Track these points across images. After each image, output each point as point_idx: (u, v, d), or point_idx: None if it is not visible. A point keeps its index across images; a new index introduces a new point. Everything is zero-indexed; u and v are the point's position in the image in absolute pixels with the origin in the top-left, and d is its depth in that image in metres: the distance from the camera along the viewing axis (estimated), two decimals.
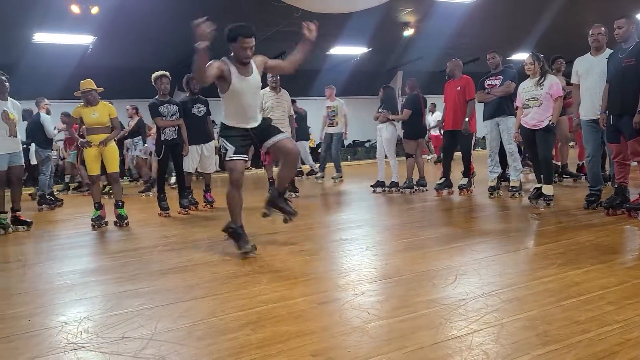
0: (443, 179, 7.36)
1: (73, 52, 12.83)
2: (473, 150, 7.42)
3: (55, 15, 10.37)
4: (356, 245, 4.39)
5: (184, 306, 2.95)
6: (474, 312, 2.59)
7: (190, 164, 6.97)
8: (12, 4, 9.87)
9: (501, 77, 6.71)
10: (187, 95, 7.12)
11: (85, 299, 3.22)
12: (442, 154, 7.67)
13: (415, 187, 7.83)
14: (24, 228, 6.16)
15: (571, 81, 5.86)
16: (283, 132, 4.38)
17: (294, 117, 8.15)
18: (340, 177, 10.75)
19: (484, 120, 6.89)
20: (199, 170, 7.35)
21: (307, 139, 10.81)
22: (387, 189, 8.02)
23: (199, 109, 6.99)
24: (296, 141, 7.34)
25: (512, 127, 6.43)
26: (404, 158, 8.00)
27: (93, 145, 6.03)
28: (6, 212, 6.06)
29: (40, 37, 11.95)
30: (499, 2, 11.97)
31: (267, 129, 4.31)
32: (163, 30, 11.93)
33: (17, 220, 6.18)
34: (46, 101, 8.96)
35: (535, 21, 13.47)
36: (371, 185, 8.21)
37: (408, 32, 13.68)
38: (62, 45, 12.55)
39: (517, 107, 6.14)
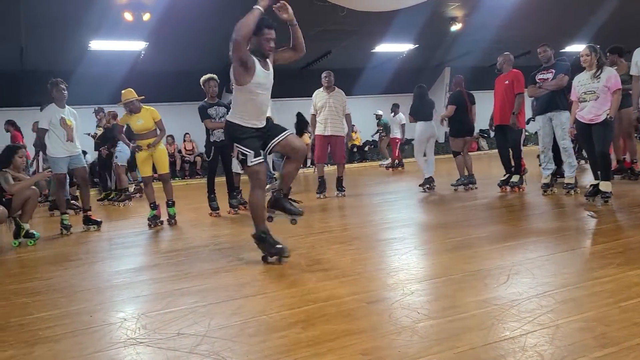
0: (506, 175, 7.21)
1: (126, 58, 13.28)
2: (523, 146, 7.24)
3: (110, 23, 10.79)
4: (404, 244, 4.37)
5: (236, 304, 3.02)
6: (527, 312, 2.53)
7: (238, 164, 7.09)
8: (70, 13, 10.33)
9: (553, 71, 6.50)
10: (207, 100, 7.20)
11: (141, 297, 3.34)
12: (498, 150, 7.53)
13: (469, 185, 7.84)
14: (94, 227, 6.44)
15: (630, 72, 5.62)
16: (286, 129, 4.10)
17: (349, 115, 8.13)
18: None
19: (535, 115, 6.70)
20: None
21: None
22: (421, 187, 8.03)
23: None
24: None
25: (566, 122, 6.22)
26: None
27: (143, 149, 6.29)
28: (68, 213, 6.35)
29: (96, 45, 12.43)
30: None
31: (271, 128, 4.06)
32: (211, 34, 12.17)
33: (88, 220, 6.46)
34: None
35: (591, 11, 12.97)
36: (420, 185, 8.12)
37: (455, 27, 13.46)
38: (116, 52, 13.02)
39: (572, 101, 5.95)
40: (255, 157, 3.88)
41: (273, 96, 4.21)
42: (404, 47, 15.88)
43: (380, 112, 15.48)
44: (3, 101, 13.99)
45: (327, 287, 3.19)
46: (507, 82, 6.94)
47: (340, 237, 4.93)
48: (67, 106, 6.32)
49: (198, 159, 15.57)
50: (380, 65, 17.02)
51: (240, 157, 3.90)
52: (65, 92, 6.24)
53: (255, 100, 3.88)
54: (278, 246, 3.90)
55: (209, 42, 12.88)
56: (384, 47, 15.66)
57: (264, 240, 3.94)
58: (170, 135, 14.94)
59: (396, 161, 14.00)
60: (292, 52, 4.09)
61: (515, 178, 7.08)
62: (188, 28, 11.52)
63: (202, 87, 6.80)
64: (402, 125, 13.50)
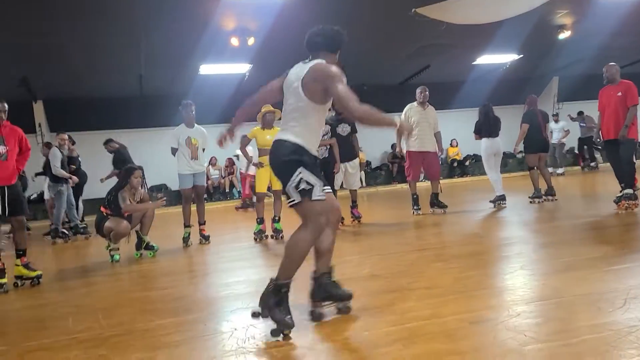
0: (622, 192, 6.70)
1: (232, 80, 14.06)
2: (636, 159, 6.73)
3: (218, 49, 11.52)
4: (509, 263, 4.23)
5: (339, 319, 3.10)
6: None
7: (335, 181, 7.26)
8: (184, 42, 11.18)
9: None
10: (333, 115, 7.40)
11: (249, 308, 3.47)
12: (610, 164, 7.06)
13: (544, 197, 8.24)
14: (205, 241, 6.83)
15: None
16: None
17: (440, 132, 8.06)
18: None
19: None
20: (344, 186, 7.60)
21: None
22: (490, 203, 8.27)
23: (343, 129, 7.28)
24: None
25: None
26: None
27: (265, 166, 6.62)
28: (191, 226, 6.82)
29: (205, 69, 13.32)
30: None
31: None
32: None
33: (200, 234, 6.89)
34: (64, 136, 8.94)
35: None
36: (490, 201, 8.30)
37: (564, 35, 12.81)
38: (223, 75, 13.85)
39: None
40: (323, 187, 3.04)
41: None
42: (508, 57, 15.37)
43: None
44: (125, 123, 15.37)
45: (429, 306, 3.18)
46: (619, 94, 6.50)
47: (440, 254, 4.87)
48: (196, 125, 6.84)
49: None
50: (481, 77, 16.59)
51: (303, 186, 2.94)
52: (193, 113, 6.77)
53: (320, 122, 3.19)
54: (288, 317, 2.89)
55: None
56: (485, 59, 15.26)
57: (282, 299, 2.95)
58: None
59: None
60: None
61: (628, 191, 6.53)
62: (289, 49, 11.90)
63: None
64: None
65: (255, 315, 3.04)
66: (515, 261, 4.32)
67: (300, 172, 2.94)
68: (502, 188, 8.26)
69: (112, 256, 5.97)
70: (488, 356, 2.37)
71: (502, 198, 8.19)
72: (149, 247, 6.21)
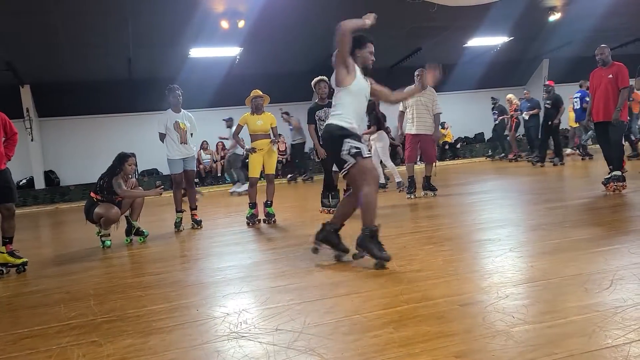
0: (611, 174, 6.76)
1: (222, 63, 13.96)
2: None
3: (208, 32, 11.43)
4: (499, 246, 4.27)
5: (329, 302, 3.13)
6: (632, 320, 2.41)
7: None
8: (173, 25, 11.06)
9: None
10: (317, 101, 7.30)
11: (242, 293, 3.55)
12: (599, 146, 7.12)
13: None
14: (197, 226, 6.85)
15: None
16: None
17: (439, 115, 8.01)
18: None
19: None
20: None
21: None
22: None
23: None
24: None
25: None
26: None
27: (258, 151, 6.59)
28: (183, 212, 6.81)
29: (195, 52, 13.20)
30: None
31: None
32: (302, 35, 12.48)
33: (192, 219, 6.90)
34: None
35: None
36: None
37: (554, 17, 12.79)
38: (213, 58, 13.73)
39: None
40: (368, 151, 4.04)
41: None
42: (498, 40, 15.38)
43: None
44: (114, 108, 15.23)
45: (420, 288, 3.21)
46: (610, 76, 6.53)
47: (432, 237, 4.91)
48: (183, 110, 6.80)
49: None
50: (472, 59, 16.58)
51: (354, 151, 3.88)
52: (181, 97, 6.73)
53: (357, 104, 4.09)
54: (385, 253, 3.81)
55: (300, 43, 13.21)
56: (476, 41, 15.25)
57: (376, 239, 3.85)
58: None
59: None
60: (383, 96, 4.45)
61: (616, 173, 6.60)
62: (280, 32, 11.89)
63: (313, 89, 7.04)
64: None
65: (356, 256, 4.00)
66: (505, 243, 4.36)
67: (348, 142, 3.89)
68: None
69: (103, 242, 5.96)
70: (477, 337, 2.41)
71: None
72: (138, 233, 6.20)
